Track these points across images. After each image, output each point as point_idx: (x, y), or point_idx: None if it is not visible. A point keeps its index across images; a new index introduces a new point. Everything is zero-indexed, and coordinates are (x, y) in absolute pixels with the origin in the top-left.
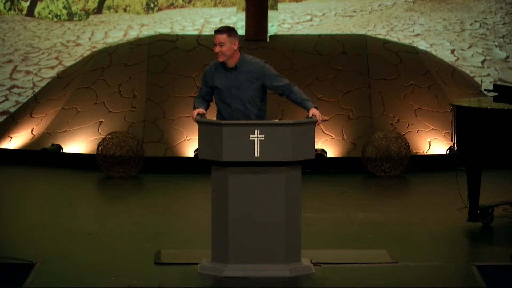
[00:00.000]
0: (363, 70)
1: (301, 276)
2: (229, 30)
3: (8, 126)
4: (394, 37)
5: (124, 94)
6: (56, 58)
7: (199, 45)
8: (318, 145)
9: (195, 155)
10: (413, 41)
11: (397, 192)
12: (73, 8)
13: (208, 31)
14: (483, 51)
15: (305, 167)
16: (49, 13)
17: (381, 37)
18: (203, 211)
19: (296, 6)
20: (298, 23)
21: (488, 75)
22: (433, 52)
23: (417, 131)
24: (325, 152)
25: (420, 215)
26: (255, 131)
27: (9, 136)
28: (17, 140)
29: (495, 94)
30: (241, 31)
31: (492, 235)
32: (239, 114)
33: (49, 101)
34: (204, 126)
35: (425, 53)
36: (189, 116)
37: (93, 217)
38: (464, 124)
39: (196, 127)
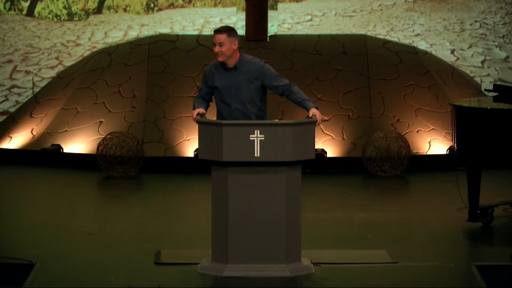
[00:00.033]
0: (363, 70)
1: (301, 276)
2: (228, 30)
3: (8, 126)
4: (394, 37)
5: (124, 94)
6: (56, 58)
7: (199, 45)
8: (318, 145)
9: (195, 155)
10: (413, 41)
11: (397, 192)
12: (73, 8)
13: (208, 31)
14: (483, 51)
15: (305, 167)
16: (49, 13)
17: (381, 37)
18: (203, 211)
19: (296, 6)
20: (298, 23)
21: (488, 75)
22: (433, 52)
23: (417, 131)
24: (325, 152)
25: (420, 215)
26: (255, 131)
27: (9, 136)
28: (17, 140)
29: (495, 94)
30: (241, 31)
31: (492, 235)
32: (239, 114)
33: (49, 101)
34: (204, 126)
35: (425, 53)
36: (189, 116)
37: (93, 217)
38: (464, 124)
39: (196, 127)
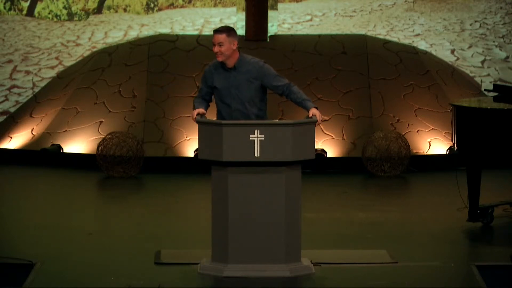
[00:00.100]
0: (363, 70)
1: (301, 276)
2: (228, 30)
3: (8, 126)
4: (394, 37)
5: (124, 94)
6: (56, 58)
7: (199, 45)
8: (318, 145)
9: (195, 155)
10: (413, 41)
11: (397, 192)
12: (73, 8)
13: (208, 31)
14: (483, 51)
15: (305, 167)
16: (49, 13)
17: (381, 37)
18: (203, 211)
19: (296, 6)
20: (298, 23)
21: (488, 75)
22: (433, 52)
23: (417, 131)
24: (325, 152)
25: (420, 215)
26: (255, 131)
27: (9, 136)
28: (17, 140)
29: (495, 94)
30: (241, 31)
31: (492, 235)
32: (238, 114)
33: (49, 101)
34: (204, 126)
35: (425, 53)
36: (189, 116)
37: (93, 217)
38: (464, 124)
39: (196, 127)
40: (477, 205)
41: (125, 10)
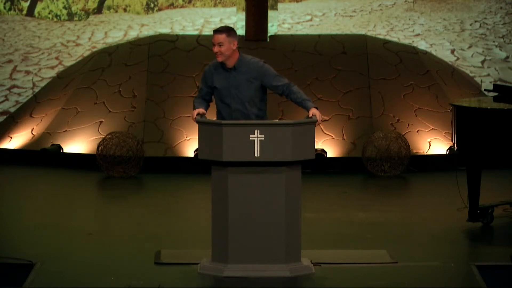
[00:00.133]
0: (363, 70)
1: (301, 276)
2: (228, 30)
3: (8, 126)
4: (394, 37)
5: (124, 94)
6: (56, 58)
7: (199, 45)
8: (318, 145)
9: (195, 155)
10: (413, 41)
11: (397, 192)
12: (73, 8)
13: (208, 31)
14: (483, 51)
15: (305, 167)
16: (49, 13)
17: (381, 37)
18: (203, 211)
19: (296, 6)
20: (298, 23)
21: (488, 75)
22: (433, 52)
23: (417, 131)
24: (325, 152)
25: (420, 215)
26: (255, 131)
27: (9, 136)
28: (17, 140)
29: (495, 94)
30: (241, 31)
31: (492, 235)
32: (238, 114)
33: (49, 101)
34: (204, 126)
35: (425, 53)
36: (189, 116)
37: (93, 217)
38: (464, 124)
39: (196, 127)
40: (477, 205)
41: (125, 10)
